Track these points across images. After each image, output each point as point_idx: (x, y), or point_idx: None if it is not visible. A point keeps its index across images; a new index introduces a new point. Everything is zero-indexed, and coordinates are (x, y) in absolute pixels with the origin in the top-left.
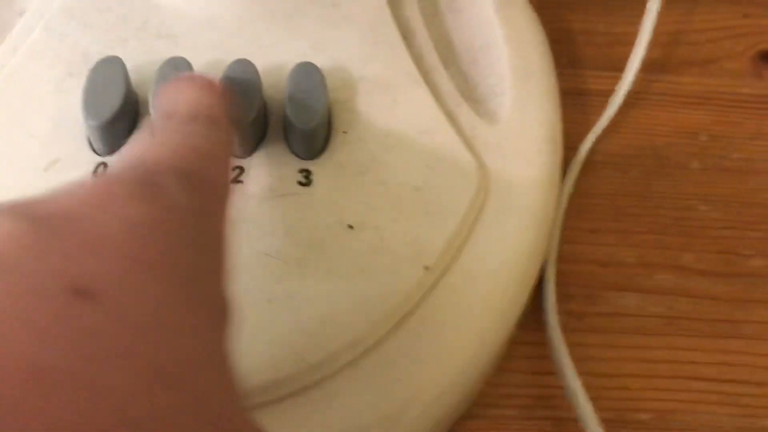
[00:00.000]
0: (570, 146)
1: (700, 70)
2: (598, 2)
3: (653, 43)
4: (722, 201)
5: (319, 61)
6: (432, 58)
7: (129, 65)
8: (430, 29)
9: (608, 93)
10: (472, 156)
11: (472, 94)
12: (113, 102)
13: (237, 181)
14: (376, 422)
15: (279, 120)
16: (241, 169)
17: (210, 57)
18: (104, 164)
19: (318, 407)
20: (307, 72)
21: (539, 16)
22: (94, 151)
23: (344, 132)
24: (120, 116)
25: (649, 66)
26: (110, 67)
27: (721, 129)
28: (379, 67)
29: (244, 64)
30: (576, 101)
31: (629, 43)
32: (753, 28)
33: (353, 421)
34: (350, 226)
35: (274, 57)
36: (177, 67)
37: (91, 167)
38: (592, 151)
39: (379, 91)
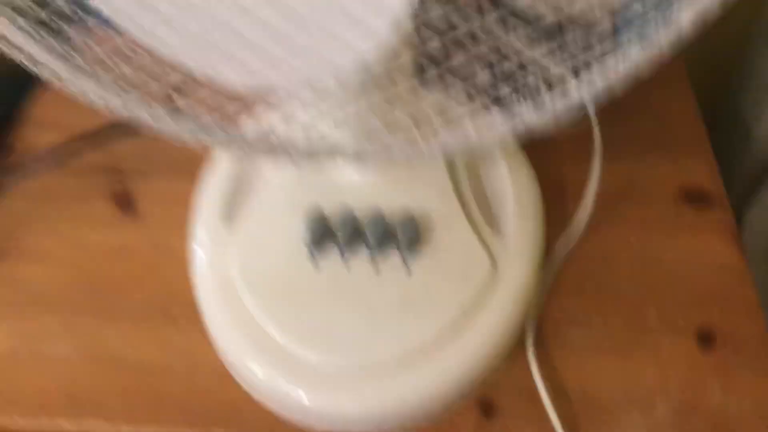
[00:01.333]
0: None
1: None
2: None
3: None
4: None
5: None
6: (472, 206)
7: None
8: (472, 185)
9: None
10: (488, 256)
11: (492, 220)
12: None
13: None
14: None
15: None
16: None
17: (365, 204)
18: None
19: None
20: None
21: (535, 172)
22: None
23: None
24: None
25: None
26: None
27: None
28: (434, 205)
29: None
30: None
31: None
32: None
33: None
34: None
35: (393, 203)
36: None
37: None
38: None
39: (436, 223)
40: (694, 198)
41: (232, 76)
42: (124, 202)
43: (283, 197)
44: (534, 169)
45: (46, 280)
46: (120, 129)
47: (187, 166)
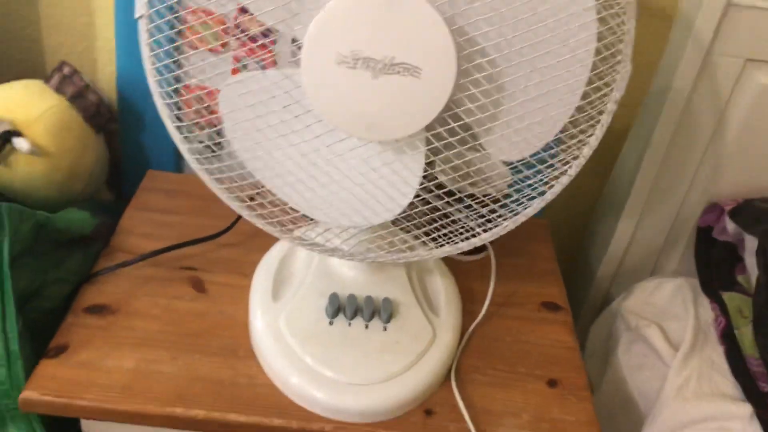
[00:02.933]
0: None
1: None
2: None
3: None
4: None
5: (383, 294)
6: (420, 297)
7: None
8: (421, 286)
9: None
10: (431, 327)
11: (432, 307)
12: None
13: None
14: None
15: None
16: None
17: (361, 291)
18: None
19: None
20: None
21: (457, 282)
22: None
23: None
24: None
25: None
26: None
27: None
28: (400, 295)
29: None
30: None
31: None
32: None
33: None
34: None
35: (377, 292)
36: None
37: None
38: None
39: (401, 305)
40: (549, 306)
41: (297, 203)
42: (198, 286)
43: (312, 285)
44: (456, 279)
45: (150, 329)
46: (192, 241)
47: (231, 266)
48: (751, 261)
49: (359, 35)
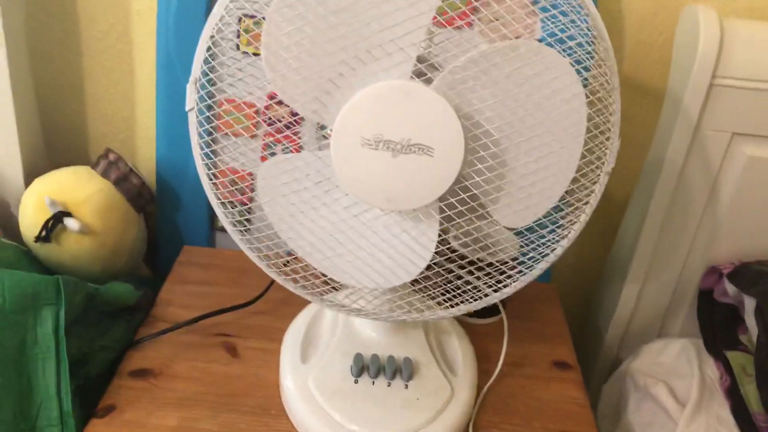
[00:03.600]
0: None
1: None
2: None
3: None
4: None
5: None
6: (438, 357)
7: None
8: (439, 347)
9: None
10: (449, 385)
11: (450, 367)
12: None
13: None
14: None
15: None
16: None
17: (383, 352)
18: None
19: None
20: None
21: (472, 342)
22: None
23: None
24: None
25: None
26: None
27: None
28: (420, 355)
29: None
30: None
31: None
32: None
33: None
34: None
35: (399, 352)
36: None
37: None
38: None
39: (421, 364)
40: (560, 365)
41: (324, 266)
42: (232, 350)
43: (338, 346)
44: (472, 341)
45: (190, 390)
46: (226, 309)
47: (262, 332)
48: (751, 321)
49: (380, 121)
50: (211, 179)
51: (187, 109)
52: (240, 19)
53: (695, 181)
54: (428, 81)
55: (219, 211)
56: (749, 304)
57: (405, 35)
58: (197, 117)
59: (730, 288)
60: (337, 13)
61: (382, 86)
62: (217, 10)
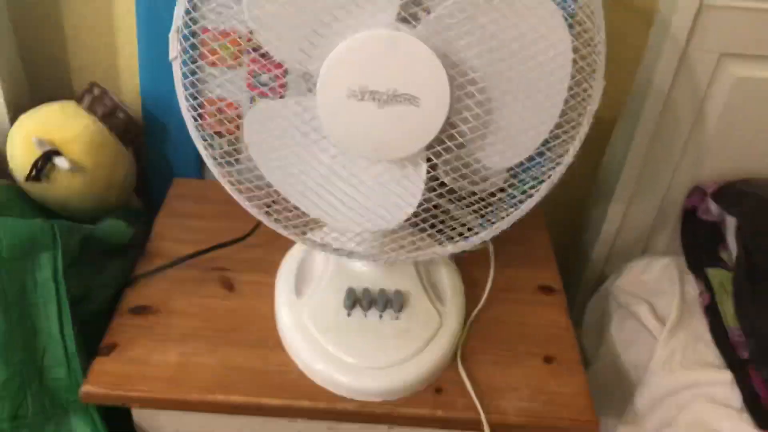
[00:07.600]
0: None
1: None
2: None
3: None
4: None
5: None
6: (428, 287)
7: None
8: (427, 277)
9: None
10: (438, 315)
11: (438, 296)
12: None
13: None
14: None
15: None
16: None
17: (375, 285)
18: None
19: None
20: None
21: (460, 271)
22: None
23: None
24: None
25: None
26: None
27: None
28: (410, 287)
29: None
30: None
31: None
32: None
33: None
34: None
35: (390, 285)
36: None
37: None
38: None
39: (411, 296)
40: (545, 289)
41: (315, 212)
42: (228, 285)
43: (331, 281)
44: (459, 269)
45: (189, 326)
46: (222, 244)
47: (257, 265)
48: (732, 239)
49: (365, 72)
50: (196, 120)
51: (170, 58)
52: None
53: (682, 103)
54: (414, 27)
55: (200, 146)
56: (731, 222)
57: None
58: (181, 68)
59: (714, 207)
60: None
61: (367, 35)
62: None
